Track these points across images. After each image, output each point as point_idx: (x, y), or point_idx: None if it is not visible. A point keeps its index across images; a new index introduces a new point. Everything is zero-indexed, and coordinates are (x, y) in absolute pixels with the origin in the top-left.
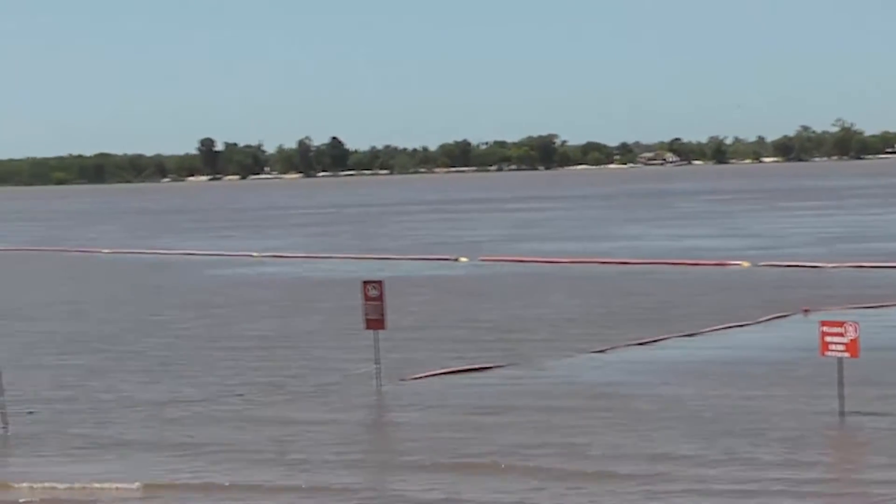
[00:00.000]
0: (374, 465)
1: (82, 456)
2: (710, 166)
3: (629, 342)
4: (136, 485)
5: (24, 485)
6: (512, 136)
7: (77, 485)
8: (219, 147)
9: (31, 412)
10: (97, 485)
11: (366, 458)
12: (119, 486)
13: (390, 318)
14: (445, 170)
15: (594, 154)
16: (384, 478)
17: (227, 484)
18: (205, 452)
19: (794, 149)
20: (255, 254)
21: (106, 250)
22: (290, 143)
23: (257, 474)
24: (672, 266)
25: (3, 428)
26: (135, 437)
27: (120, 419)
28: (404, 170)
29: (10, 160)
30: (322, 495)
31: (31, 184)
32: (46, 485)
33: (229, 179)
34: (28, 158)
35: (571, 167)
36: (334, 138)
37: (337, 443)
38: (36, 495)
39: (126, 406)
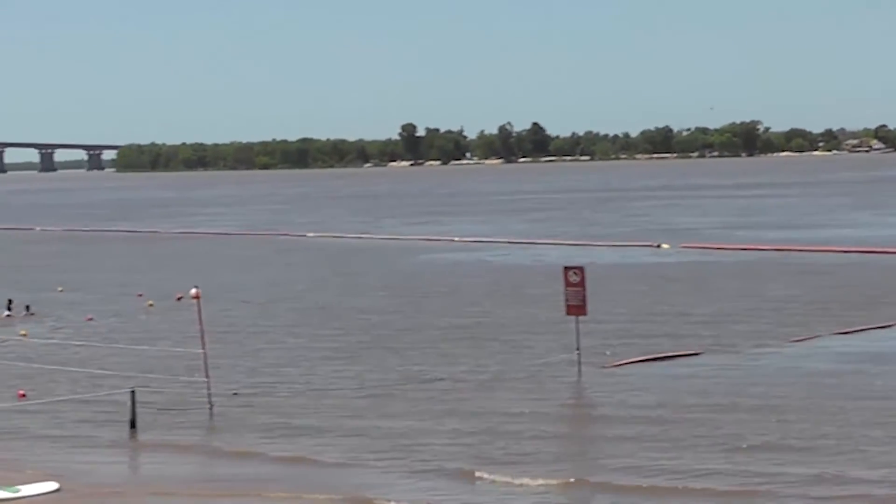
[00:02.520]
0: (576, 454)
1: (279, 437)
2: None
3: (835, 331)
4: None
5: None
6: (714, 123)
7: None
8: (420, 132)
9: (235, 393)
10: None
11: (566, 451)
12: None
13: (590, 304)
14: (647, 156)
15: (798, 141)
16: (587, 467)
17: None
18: (390, 436)
19: None
20: (456, 239)
21: (311, 234)
22: (492, 129)
23: (450, 464)
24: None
25: (209, 407)
26: (327, 424)
27: (318, 404)
28: (605, 156)
29: (216, 145)
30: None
31: (235, 168)
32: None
33: (430, 165)
34: (233, 143)
35: (774, 154)
36: (535, 124)
37: (535, 436)
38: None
39: (329, 390)
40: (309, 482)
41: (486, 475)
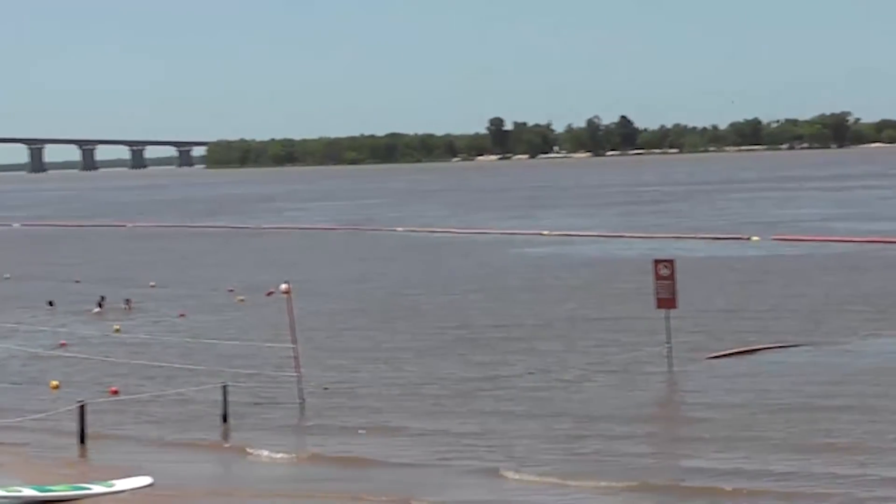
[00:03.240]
0: (668, 447)
1: (370, 435)
2: None
3: None
4: None
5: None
6: (804, 114)
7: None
8: (508, 126)
9: (326, 388)
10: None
11: (655, 451)
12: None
13: (681, 297)
14: (735, 148)
15: (889, 132)
16: (679, 464)
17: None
18: (485, 436)
19: None
20: (545, 232)
21: (400, 229)
22: (580, 123)
23: (538, 466)
24: None
25: (301, 402)
26: (417, 421)
27: (407, 400)
28: (693, 149)
29: (304, 140)
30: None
31: (323, 163)
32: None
33: (518, 159)
34: (321, 139)
35: (865, 145)
36: (623, 117)
37: (628, 435)
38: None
39: (418, 385)
40: (404, 485)
41: (571, 482)
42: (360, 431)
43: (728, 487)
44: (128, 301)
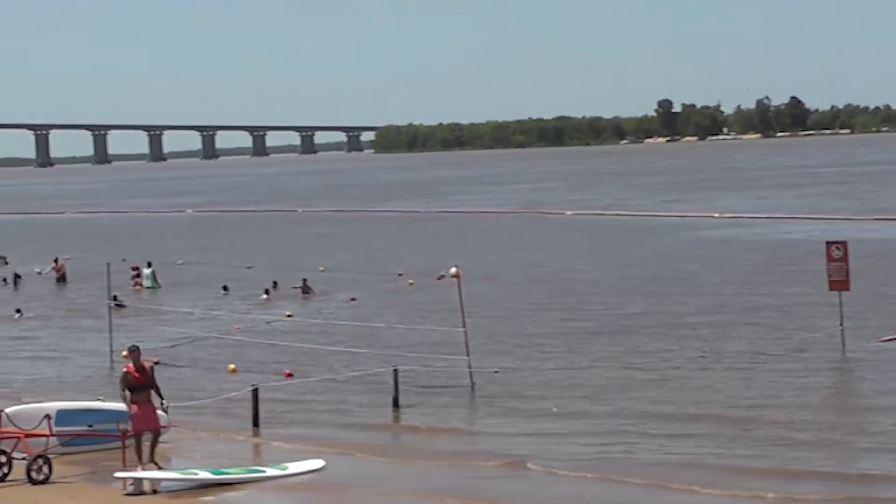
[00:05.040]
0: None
1: (540, 418)
2: None
3: None
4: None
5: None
6: None
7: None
8: (676, 108)
9: (496, 371)
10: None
11: (837, 437)
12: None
13: (854, 279)
14: None
15: None
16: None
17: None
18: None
19: None
20: (716, 214)
21: (569, 212)
22: (749, 104)
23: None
24: None
25: (471, 385)
26: (590, 405)
27: (578, 384)
28: (866, 129)
29: (472, 124)
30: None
31: (491, 147)
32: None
33: (686, 141)
34: (489, 122)
35: None
36: (793, 98)
37: (804, 423)
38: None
39: (587, 369)
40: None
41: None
42: (553, 409)
43: None
44: (303, 283)
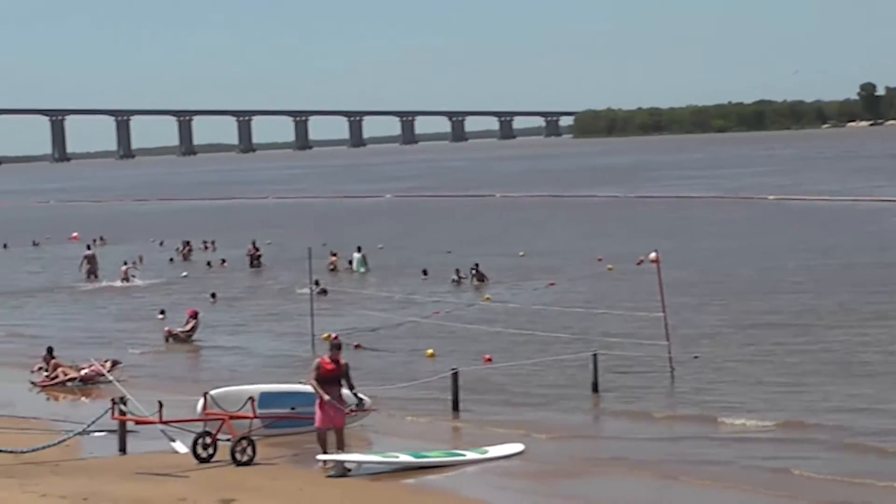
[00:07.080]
0: None
1: (739, 410)
2: None
3: None
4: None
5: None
6: None
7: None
8: (880, 92)
9: (696, 357)
10: None
11: None
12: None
13: None
14: None
15: None
16: None
17: None
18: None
19: None
20: None
21: (771, 197)
22: None
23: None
24: None
25: (671, 371)
26: (794, 393)
27: (776, 370)
28: None
29: (672, 109)
30: None
31: (690, 132)
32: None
33: (890, 124)
34: (689, 106)
35: None
36: None
37: None
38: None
39: (784, 356)
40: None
41: None
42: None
43: None
44: (476, 270)
